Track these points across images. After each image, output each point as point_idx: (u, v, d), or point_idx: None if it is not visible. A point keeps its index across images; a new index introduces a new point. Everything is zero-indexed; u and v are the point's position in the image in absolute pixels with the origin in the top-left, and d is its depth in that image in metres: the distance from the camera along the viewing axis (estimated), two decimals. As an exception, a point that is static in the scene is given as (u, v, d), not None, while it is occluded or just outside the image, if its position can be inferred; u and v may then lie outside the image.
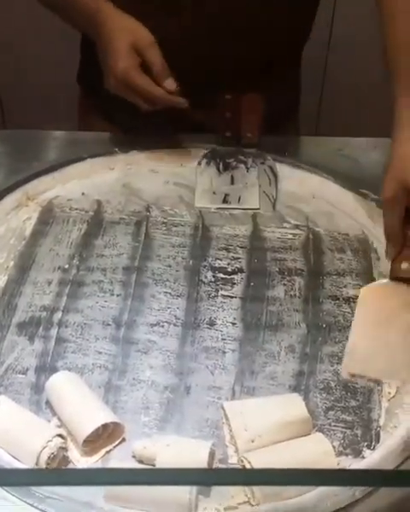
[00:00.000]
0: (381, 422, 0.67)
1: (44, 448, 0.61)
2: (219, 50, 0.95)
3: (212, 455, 0.63)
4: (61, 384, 0.68)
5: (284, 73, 1.04)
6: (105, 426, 0.64)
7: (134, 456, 0.64)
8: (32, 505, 0.59)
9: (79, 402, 0.66)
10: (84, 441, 0.63)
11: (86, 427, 0.63)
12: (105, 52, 0.87)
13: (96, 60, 0.90)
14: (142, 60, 0.86)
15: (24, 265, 0.82)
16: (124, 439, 0.65)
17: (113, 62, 0.85)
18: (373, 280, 0.81)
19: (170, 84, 0.87)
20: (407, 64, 0.74)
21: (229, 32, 0.94)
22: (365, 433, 0.66)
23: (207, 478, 0.53)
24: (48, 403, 0.68)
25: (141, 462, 0.64)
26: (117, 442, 0.65)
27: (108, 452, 0.64)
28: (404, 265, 0.70)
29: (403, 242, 0.71)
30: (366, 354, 0.70)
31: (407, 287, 0.71)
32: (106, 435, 0.65)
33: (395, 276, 0.71)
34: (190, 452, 0.63)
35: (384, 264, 0.83)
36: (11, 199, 0.89)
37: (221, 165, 0.95)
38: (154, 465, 0.62)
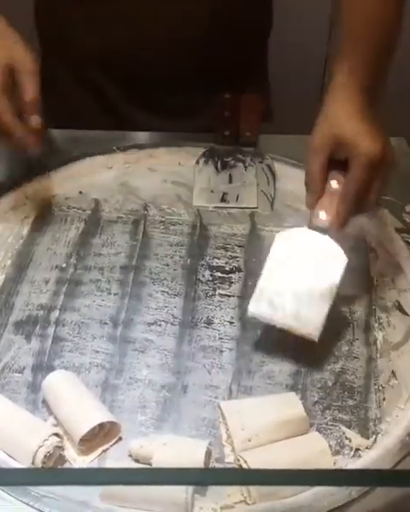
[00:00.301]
0: (378, 422, 0.67)
1: (41, 447, 0.61)
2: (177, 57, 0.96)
3: (208, 454, 0.63)
4: (58, 383, 0.68)
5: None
6: (102, 425, 0.64)
7: (131, 456, 0.64)
8: (28, 504, 0.59)
9: (76, 401, 0.66)
10: (81, 440, 0.63)
11: (83, 426, 0.63)
12: None
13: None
14: (12, 83, 0.77)
15: (21, 264, 0.82)
16: (120, 439, 0.65)
17: None
18: (371, 279, 0.81)
19: (35, 120, 0.77)
20: (355, 39, 0.74)
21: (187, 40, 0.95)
22: (362, 432, 0.66)
23: (203, 478, 0.52)
24: (44, 402, 0.68)
25: (137, 461, 0.64)
26: (113, 441, 0.65)
27: (104, 451, 0.64)
28: (321, 215, 0.72)
29: (321, 192, 0.72)
30: (272, 298, 0.71)
31: (321, 236, 0.72)
32: (102, 434, 0.65)
33: (313, 226, 0.72)
34: (187, 451, 0.63)
35: (382, 264, 0.83)
36: (9, 198, 0.89)
37: (219, 164, 0.95)
38: (150, 464, 0.62)
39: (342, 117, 0.71)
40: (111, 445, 0.65)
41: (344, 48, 0.74)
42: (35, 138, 0.78)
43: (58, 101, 1.07)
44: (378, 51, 0.74)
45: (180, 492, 0.59)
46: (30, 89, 0.77)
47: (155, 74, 1.01)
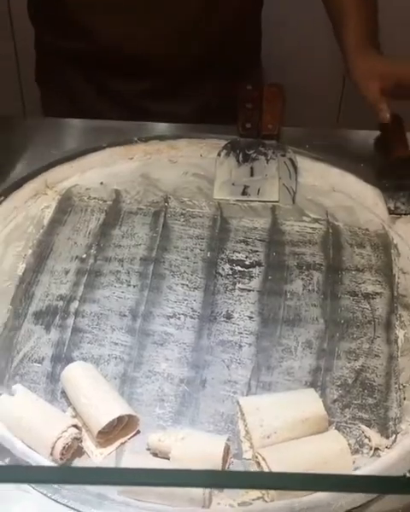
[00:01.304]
0: (398, 421, 0.67)
1: (59, 438, 0.61)
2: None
3: (227, 450, 0.63)
4: (77, 374, 0.68)
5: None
6: (120, 418, 0.64)
7: (149, 449, 0.64)
8: (46, 495, 0.59)
9: (95, 393, 0.66)
10: (99, 433, 0.63)
11: (101, 418, 0.63)
12: None
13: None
14: None
15: (42, 254, 0.82)
16: (138, 432, 0.65)
17: None
18: (393, 276, 0.80)
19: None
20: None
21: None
22: (381, 431, 0.66)
23: (219, 480, 0.52)
24: (63, 393, 0.68)
25: (155, 454, 0.63)
26: (132, 434, 0.65)
27: (122, 444, 0.64)
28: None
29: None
30: None
31: None
32: (120, 427, 0.65)
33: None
34: (206, 446, 0.62)
35: (404, 261, 0.82)
36: (30, 187, 0.89)
37: (241, 157, 0.94)
38: (168, 458, 0.62)
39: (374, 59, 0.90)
40: (129, 438, 0.65)
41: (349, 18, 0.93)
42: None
43: (67, 96, 1.07)
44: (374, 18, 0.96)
45: (198, 488, 0.59)
46: None
47: (155, 63, 1.01)
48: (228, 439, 0.63)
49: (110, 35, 0.99)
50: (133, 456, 0.63)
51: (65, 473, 0.48)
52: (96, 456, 0.63)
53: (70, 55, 1.05)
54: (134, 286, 0.79)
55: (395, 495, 0.59)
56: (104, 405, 0.65)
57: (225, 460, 0.62)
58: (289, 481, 0.50)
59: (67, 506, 0.59)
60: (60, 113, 1.04)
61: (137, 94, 1.06)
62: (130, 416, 0.65)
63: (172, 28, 0.98)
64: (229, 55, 1.05)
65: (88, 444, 0.64)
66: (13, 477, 0.50)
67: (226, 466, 0.63)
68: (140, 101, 1.06)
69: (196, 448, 0.63)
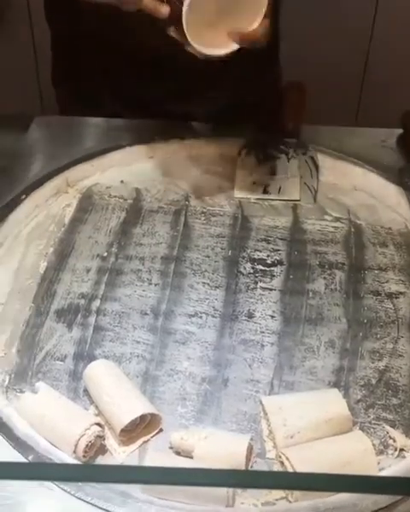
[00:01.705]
0: (423, 422, 0.66)
1: (82, 436, 0.61)
2: None
3: (250, 449, 0.62)
4: (99, 372, 0.68)
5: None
6: (143, 416, 0.64)
7: (172, 448, 0.63)
8: (69, 493, 0.59)
9: (117, 391, 0.66)
10: (122, 431, 0.63)
11: (124, 417, 0.63)
12: None
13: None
14: None
15: (63, 252, 0.82)
16: (161, 430, 0.65)
17: None
18: (416, 276, 0.80)
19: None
20: None
21: None
22: (406, 432, 0.65)
23: (243, 480, 0.51)
24: (85, 391, 0.68)
25: (178, 453, 0.63)
26: (154, 433, 0.65)
27: (144, 442, 0.64)
28: None
29: None
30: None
31: None
32: (143, 425, 0.65)
33: None
34: (229, 446, 0.62)
35: (428, 260, 0.81)
36: (51, 185, 0.89)
37: (262, 156, 0.94)
38: (191, 457, 0.62)
39: None
40: (152, 437, 0.65)
41: None
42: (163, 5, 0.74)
43: (82, 99, 1.07)
44: None
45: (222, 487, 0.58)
46: None
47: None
48: (251, 439, 0.63)
49: (125, 34, 0.99)
50: (156, 454, 0.63)
51: (88, 471, 0.48)
52: (119, 454, 0.63)
53: (85, 55, 1.05)
54: (155, 284, 0.79)
55: (421, 496, 0.59)
56: (127, 404, 0.65)
57: (248, 459, 0.62)
58: (313, 482, 0.50)
59: (91, 504, 0.59)
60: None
61: (154, 95, 1.05)
62: (152, 415, 0.65)
63: None
64: (246, 54, 1.04)
65: (111, 442, 0.64)
66: (36, 474, 0.50)
67: (250, 465, 0.62)
68: (157, 103, 1.06)
69: (220, 447, 0.62)
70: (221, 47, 0.76)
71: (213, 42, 0.76)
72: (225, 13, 0.76)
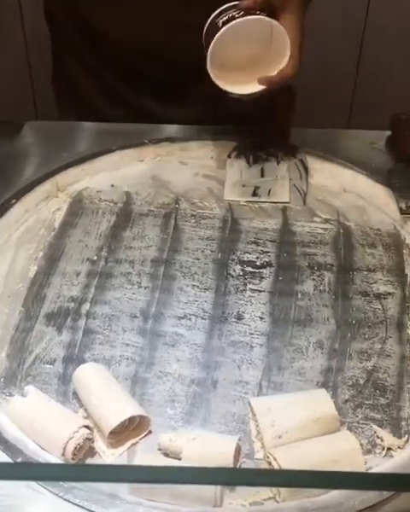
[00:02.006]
0: (411, 421, 0.66)
1: (71, 439, 0.61)
2: None
3: (238, 450, 0.63)
4: (88, 375, 0.68)
5: None
6: (131, 418, 0.64)
7: (160, 449, 0.64)
8: (57, 495, 0.60)
9: (106, 394, 0.66)
10: (111, 433, 0.63)
11: (113, 419, 0.63)
12: None
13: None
14: None
15: (53, 256, 0.82)
16: (150, 432, 0.65)
17: None
18: (405, 276, 0.80)
19: None
20: None
21: None
22: (394, 431, 0.65)
23: (231, 478, 0.52)
24: (75, 394, 0.68)
25: (167, 455, 0.63)
26: (143, 435, 0.65)
27: (133, 445, 0.64)
28: None
29: None
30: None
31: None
32: (132, 427, 0.65)
33: None
34: (217, 447, 0.62)
35: (416, 261, 0.82)
36: (41, 190, 0.89)
37: (251, 158, 0.94)
38: (180, 458, 0.62)
39: None
40: (140, 439, 0.65)
41: None
42: None
43: (77, 97, 1.07)
44: None
45: (209, 487, 0.59)
46: None
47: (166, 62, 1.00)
48: (239, 440, 0.63)
49: (120, 33, 0.99)
50: (145, 456, 0.63)
51: (73, 470, 0.48)
52: (108, 456, 0.64)
53: (84, 56, 1.05)
54: (145, 287, 0.79)
55: (408, 496, 0.59)
56: (115, 406, 0.65)
57: (236, 460, 0.62)
58: (301, 478, 0.50)
59: (79, 506, 0.59)
60: (74, 117, 1.05)
61: (146, 98, 1.06)
62: (141, 417, 0.65)
63: (177, 24, 0.97)
64: None
65: (100, 444, 0.64)
66: (20, 474, 0.50)
67: (238, 466, 0.62)
68: (150, 107, 1.06)
69: (208, 448, 0.63)
70: (247, 86, 0.80)
71: (239, 81, 0.79)
72: (251, 54, 0.80)
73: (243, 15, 0.76)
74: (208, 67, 0.77)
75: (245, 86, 0.80)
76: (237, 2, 0.78)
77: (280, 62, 0.79)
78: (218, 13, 0.79)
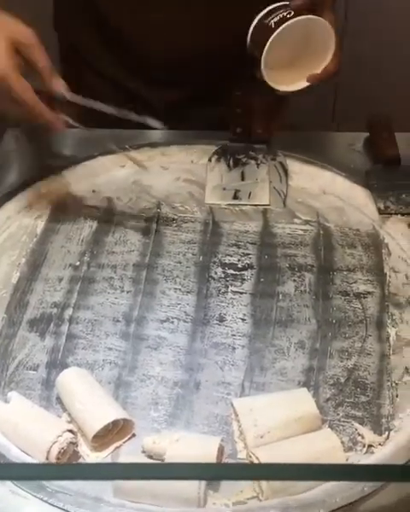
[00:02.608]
0: (391, 418, 0.67)
1: (54, 443, 0.62)
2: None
3: (221, 450, 0.63)
4: (71, 380, 0.69)
5: None
6: (115, 422, 0.65)
7: (144, 452, 0.64)
8: (41, 500, 0.60)
9: (89, 398, 0.67)
10: (94, 437, 0.63)
11: (96, 423, 0.63)
12: None
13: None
14: (24, 61, 0.78)
15: (35, 262, 0.83)
16: (134, 435, 0.66)
17: None
18: (384, 275, 0.81)
19: (58, 84, 0.79)
20: None
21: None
22: (374, 428, 0.66)
23: (216, 472, 0.53)
24: (58, 399, 0.68)
25: (150, 457, 0.64)
26: (127, 438, 0.65)
27: (117, 448, 0.65)
28: None
29: None
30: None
31: None
32: (115, 431, 0.65)
33: None
34: (200, 447, 0.63)
35: (395, 260, 0.83)
36: (23, 197, 0.90)
37: (231, 162, 0.95)
38: (163, 460, 0.63)
39: None
40: (124, 442, 0.65)
41: None
42: (57, 116, 0.80)
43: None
44: None
45: (193, 488, 0.59)
46: (41, 57, 0.78)
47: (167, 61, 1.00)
48: (222, 440, 0.64)
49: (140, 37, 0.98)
50: (129, 459, 0.64)
51: (56, 469, 0.49)
52: (92, 460, 0.64)
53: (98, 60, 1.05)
54: (127, 292, 0.80)
55: (388, 491, 0.60)
56: (99, 410, 0.65)
57: (219, 460, 0.63)
58: (284, 472, 0.50)
59: (64, 509, 0.60)
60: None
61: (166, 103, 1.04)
62: (125, 420, 0.66)
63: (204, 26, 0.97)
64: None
65: (84, 448, 0.65)
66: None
67: (221, 466, 0.63)
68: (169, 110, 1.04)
69: (191, 449, 0.63)
70: (294, 84, 0.82)
71: (285, 79, 0.81)
72: (294, 51, 0.81)
73: (294, 16, 0.77)
74: (263, 68, 0.78)
75: (292, 84, 0.82)
76: (285, 2, 0.79)
77: (324, 59, 0.81)
78: (266, 13, 0.80)
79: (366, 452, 0.64)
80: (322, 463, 0.51)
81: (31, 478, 0.56)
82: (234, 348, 0.74)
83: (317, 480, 0.58)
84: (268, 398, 0.68)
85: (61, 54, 1.09)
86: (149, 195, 0.92)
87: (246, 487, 0.61)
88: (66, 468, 0.55)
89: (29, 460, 0.62)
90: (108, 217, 0.89)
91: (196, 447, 0.63)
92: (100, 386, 0.68)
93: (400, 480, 0.55)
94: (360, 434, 0.66)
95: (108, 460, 0.64)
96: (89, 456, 0.64)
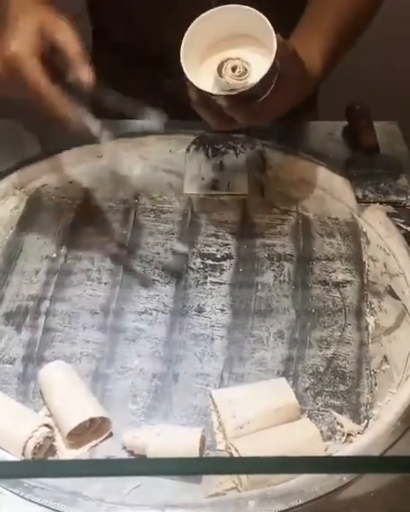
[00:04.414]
0: (370, 406, 0.67)
1: (30, 438, 0.61)
2: None
3: (202, 441, 0.63)
4: (53, 375, 0.67)
5: None
6: (92, 420, 0.63)
7: (124, 448, 0.63)
8: (18, 495, 0.59)
9: (68, 394, 0.65)
10: (69, 434, 0.62)
11: (72, 420, 0.62)
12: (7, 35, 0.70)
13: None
14: (51, 46, 0.71)
15: (11, 255, 0.82)
16: (111, 434, 0.64)
17: (5, 43, 0.69)
18: (362, 264, 0.81)
19: (86, 73, 0.70)
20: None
21: None
22: (353, 417, 0.66)
23: (194, 467, 0.52)
24: (35, 393, 0.67)
25: (131, 452, 0.63)
26: (104, 437, 0.64)
27: (93, 446, 0.64)
28: None
29: None
30: None
31: None
32: (93, 429, 0.64)
33: None
34: (182, 440, 0.62)
35: (373, 249, 0.83)
36: (-2, 188, 0.88)
37: (210, 151, 0.94)
38: (145, 455, 0.62)
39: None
40: (101, 441, 0.64)
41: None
42: (71, 107, 0.70)
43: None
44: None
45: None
46: (72, 41, 0.70)
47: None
48: (203, 431, 0.63)
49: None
50: (108, 455, 0.63)
51: (29, 466, 0.48)
52: (67, 457, 0.63)
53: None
54: (105, 283, 0.79)
55: (367, 480, 0.60)
56: (76, 407, 0.64)
57: (202, 452, 0.62)
58: (264, 465, 0.50)
59: (41, 504, 0.59)
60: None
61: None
62: (102, 419, 0.64)
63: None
64: None
65: (60, 444, 0.64)
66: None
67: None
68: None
69: (173, 442, 0.62)
70: None
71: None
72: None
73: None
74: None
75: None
76: None
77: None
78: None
79: (345, 441, 0.64)
80: (301, 456, 0.50)
81: (8, 476, 0.56)
82: (213, 339, 0.73)
83: (295, 473, 0.58)
84: (247, 389, 0.67)
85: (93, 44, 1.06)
86: (127, 186, 0.91)
87: (225, 479, 0.61)
88: (44, 464, 0.54)
89: (5, 455, 0.61)
90: (85, 208, 0.88)
91: (178, 440, 0.62)
92: (83, 383, 0.67)
93: (378, 472, 0.55)
94: (339, 423, 0.66)
95: (86, 456, 0.63)
96: (64, 453, 0.63)
